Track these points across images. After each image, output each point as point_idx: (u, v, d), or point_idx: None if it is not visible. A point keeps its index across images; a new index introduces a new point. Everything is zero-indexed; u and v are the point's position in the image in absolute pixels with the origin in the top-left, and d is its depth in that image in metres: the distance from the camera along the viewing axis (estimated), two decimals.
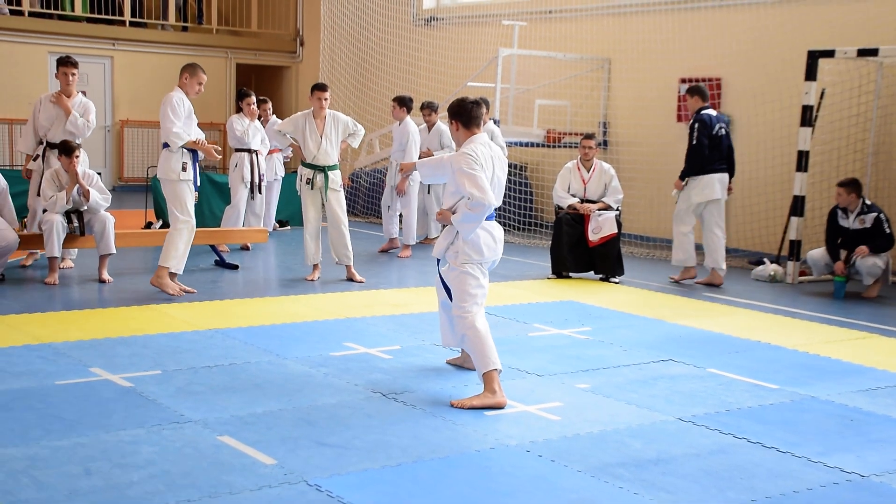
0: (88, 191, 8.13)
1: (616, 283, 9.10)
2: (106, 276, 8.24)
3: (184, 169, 7.54)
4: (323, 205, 8.66)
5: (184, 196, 7.58)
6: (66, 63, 8.57)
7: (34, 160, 8.68)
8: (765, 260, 9.91)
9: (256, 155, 10.41)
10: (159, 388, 5.10)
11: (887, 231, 8.73)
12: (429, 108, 10.68)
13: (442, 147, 10.63)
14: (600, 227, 9.12)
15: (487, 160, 5.15)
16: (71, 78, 8.55)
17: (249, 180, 10.33)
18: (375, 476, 4.03)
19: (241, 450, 4.24)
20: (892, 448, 4.61)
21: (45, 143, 8.60)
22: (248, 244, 10.43)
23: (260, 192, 10.46)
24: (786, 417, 5.04)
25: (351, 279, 8.70)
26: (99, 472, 3.92)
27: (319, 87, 8.61)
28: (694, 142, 8.95)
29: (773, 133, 10.75)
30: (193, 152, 7.62)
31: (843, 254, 8.87)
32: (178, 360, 5.71)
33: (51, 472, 3.89)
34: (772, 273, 9.57)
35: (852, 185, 8.83)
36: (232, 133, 10.44)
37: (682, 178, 9.07)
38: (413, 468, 4.13)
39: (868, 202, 8.90)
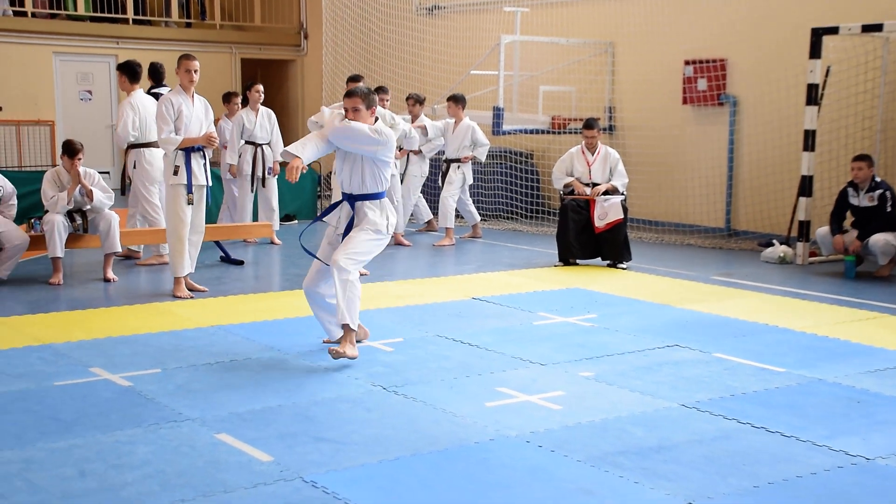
0: (91, 190, 8.10)
1: (624, 268, 9.01)
2: (111, 274, 8.22)
3: (175, 173, 7.39)
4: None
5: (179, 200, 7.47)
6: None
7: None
8: (774, 241, 9.80)
9: (262, 148, 10.43)
10: (158, 387, 5.08)
11: (889, 210, 8.60)
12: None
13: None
14: (606, 213, 9.04)
15: None
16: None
17: (251, 173, 10.34)
18: (372, 471, 3.99)
19: (238, 447, 4.21)
20: None
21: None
22: (254, 239, 10.44)
23: (263, 186, 10.46)
24: (791, 401, 4.96)
25: None
26: (93, 473, 3.89)
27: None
28: None
29: (780, 112, 10.61)
30: (187, 153, 7.41)
31: (853, 233, 8.76)
32: (178, 357, 5.69)
33: (45, 475, 3.86)
34: (781, 255, 9.46)
35: (869, 159, 8.74)
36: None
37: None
38: (410, 462, 4.09)
39: (877, 179, 8.78)
